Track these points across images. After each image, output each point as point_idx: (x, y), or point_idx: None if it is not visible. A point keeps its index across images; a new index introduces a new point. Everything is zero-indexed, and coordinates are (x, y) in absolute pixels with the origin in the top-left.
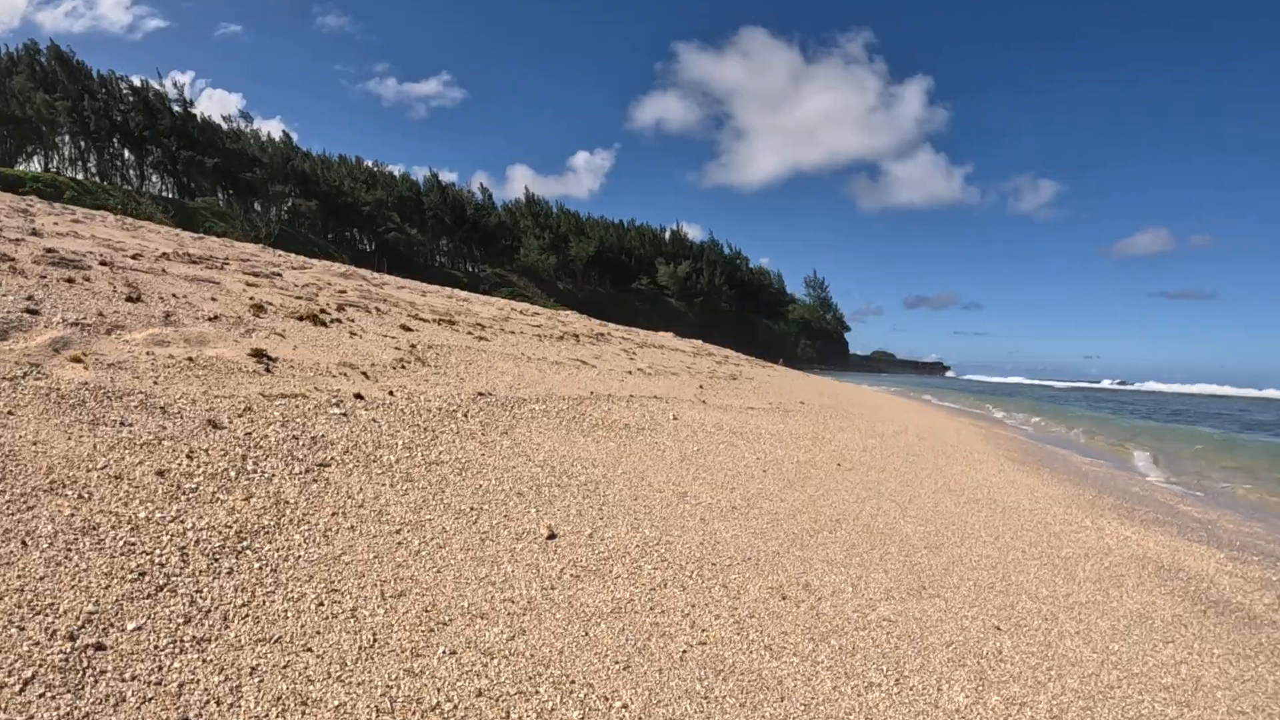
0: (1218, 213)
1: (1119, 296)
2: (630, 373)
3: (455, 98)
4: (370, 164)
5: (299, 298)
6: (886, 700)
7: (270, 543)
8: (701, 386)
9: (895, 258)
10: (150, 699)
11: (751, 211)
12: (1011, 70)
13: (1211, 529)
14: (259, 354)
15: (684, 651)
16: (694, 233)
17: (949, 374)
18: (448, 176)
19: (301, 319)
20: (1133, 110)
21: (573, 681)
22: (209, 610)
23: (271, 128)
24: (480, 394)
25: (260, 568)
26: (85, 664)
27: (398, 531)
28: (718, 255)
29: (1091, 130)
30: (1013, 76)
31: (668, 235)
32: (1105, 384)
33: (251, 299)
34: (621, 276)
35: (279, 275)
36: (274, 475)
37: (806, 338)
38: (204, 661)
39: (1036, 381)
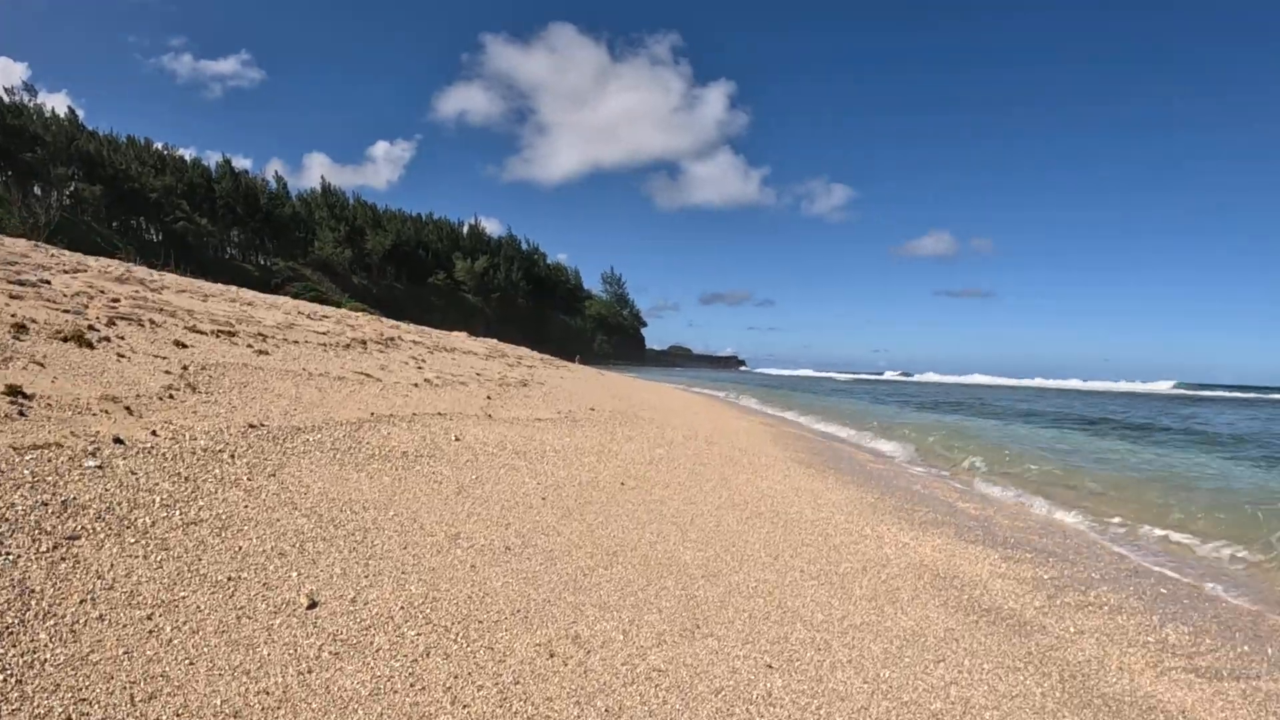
0: (996, 219)
1: (906, 294)
2: (417, 385)
3: (254, 79)
4: (160, 146)
5: (67, 311)
6: None
7: (15, 646)
8: (490, 397)
9: (692, 255)
10: None
11: (551, 207)
12: (811, 81)
13: (988, 526)
14: (13, 391)
15: None
16: (493, 228)
17: (743, 368)
18: (242, 163)
19: (66, 340)
20: (920, 127)
21: None
22: None
23: (56, 103)
24: (251, 426)
25: (4, 681)
26: None
27: (149, 617)
28: (516, 251)
29: (882, 140)
30: (812, 87)
31: (466, 230)
32: (888, 375)
33: (13, 316)
34: (419, 271)
35: (48, 283)
36: (19, 556)
37: (604, 333)
38: None
39: (823, 374)
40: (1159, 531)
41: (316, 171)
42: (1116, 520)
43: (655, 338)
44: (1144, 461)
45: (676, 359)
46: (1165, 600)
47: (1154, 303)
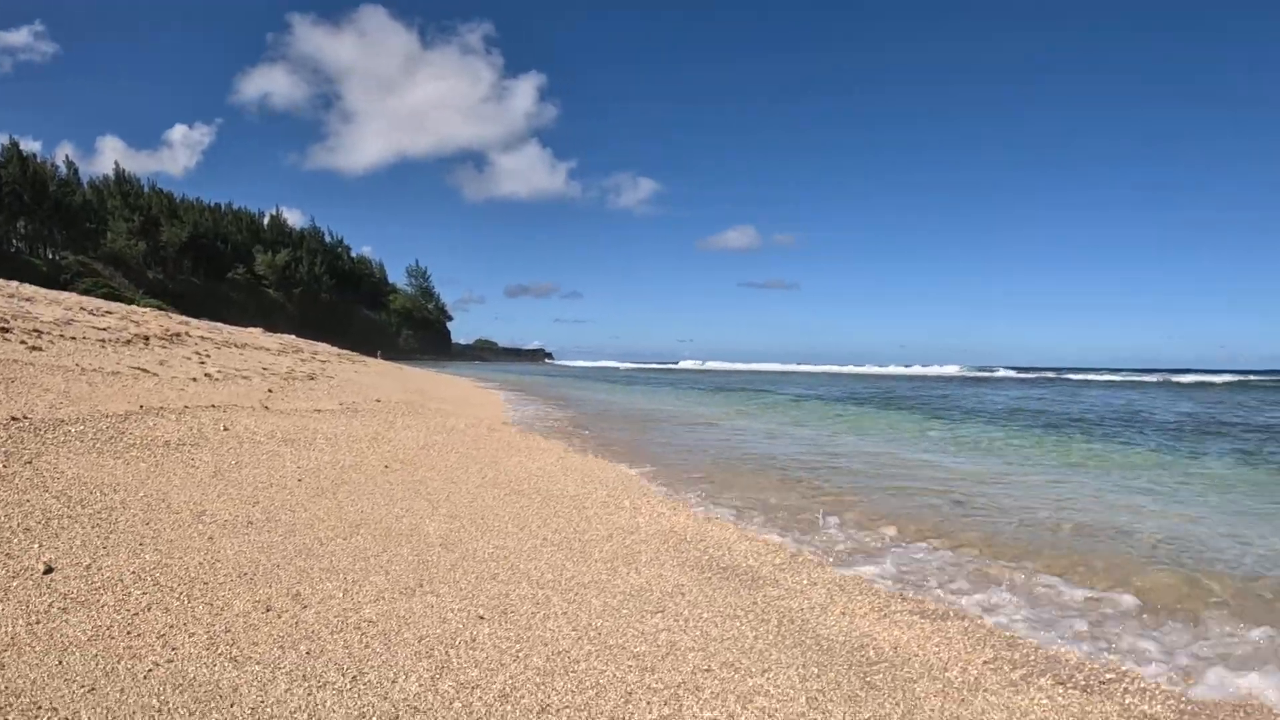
0: (799, 214)
1: (712, 286)
2: (195, 379)
3: (46, 52)
4: None
5: None
6: (336, 697)
7: None
8: (271, 390)
9: (499, 248)
10: None
11: (355, 198)
12: (621, 75)
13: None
14: None
15: (149, 670)
16: (295, 219)
17: (549, 361)
18: (30, 146)
19: None
20: (726, 122)
21: (39, 707)
22: None
23: None
24: (14, 419)
25: None
26: None
27: None
28: (319, 244)
29: (688, 136)
30: (621, 81)
31: (267, 221)
32: (684, 364)
33: None
34: (217, 265)
35: None
36: None
37: (409, 328)
38: None
39: (633, 365)
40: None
41: (110, 156)
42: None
43: (462, 332)
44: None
45: (483, 353)
46: (910, 557)
47: (949, 290)
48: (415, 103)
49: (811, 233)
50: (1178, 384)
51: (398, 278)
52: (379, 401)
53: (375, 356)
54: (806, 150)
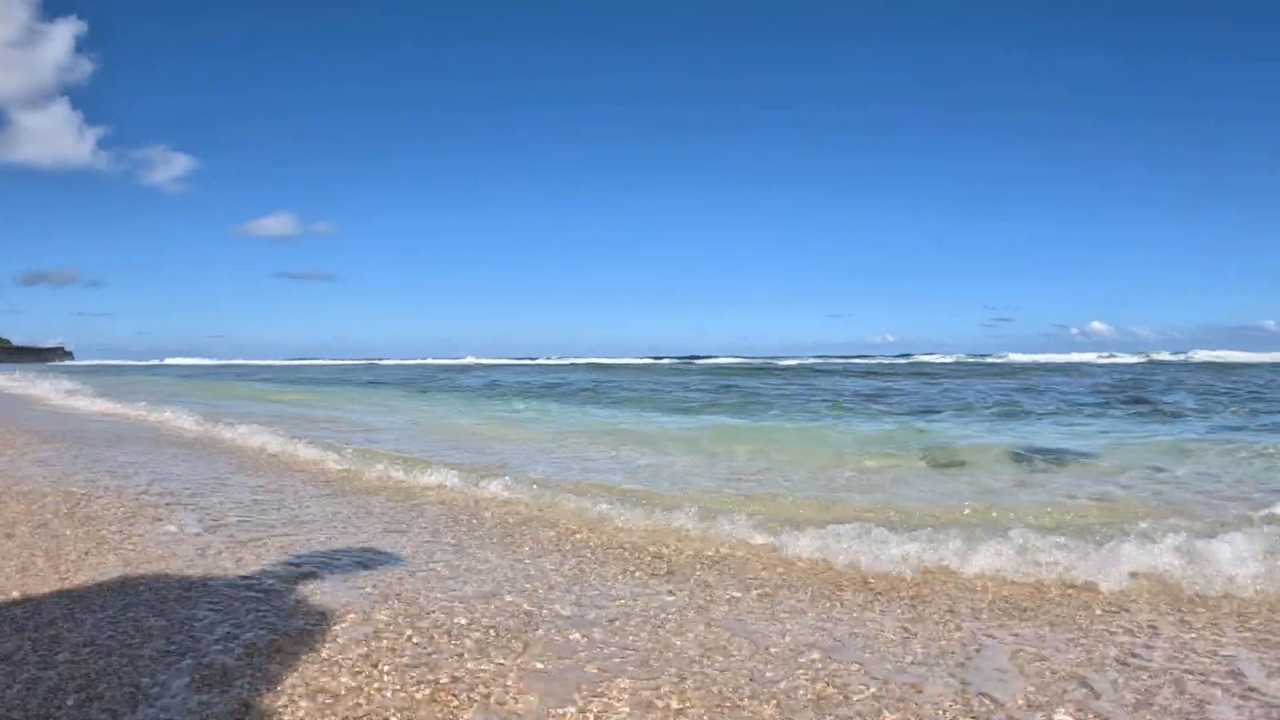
0: (338, 202)
1: (247, 276)
2: None
3: None
4: None
5: None
6: None
7: None
8: None
9: (10, 225)
10: None
11: None
12: (168, 33)
13: None
14: None
15: None
16: None
17: (70, 360)
18: None
19: None
20: (269, 100)
21: None
22: None
23: None
24: None
25: None
26: None
27: None
28: None
29: (232, 108)
30: (167, 40)
31: None
32: (169, 361)
33: None
34: None
35: None
36: None
37: None
38: None
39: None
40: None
41: None
42: None
43: None
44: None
45: None
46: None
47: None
48: None
49: (351, 221)
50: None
51: None
52: None
53: None
54: (345, 136)
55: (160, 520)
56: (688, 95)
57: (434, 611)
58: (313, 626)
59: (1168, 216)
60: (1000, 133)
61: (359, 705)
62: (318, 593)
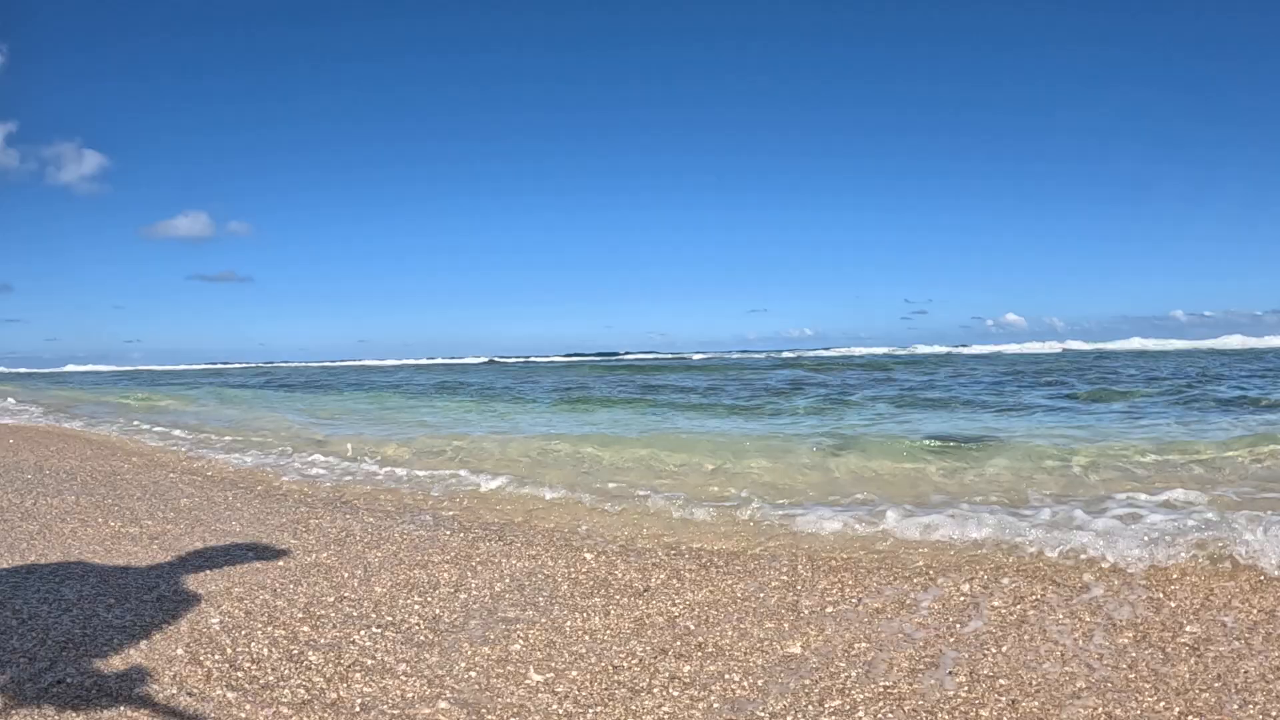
0: (255, 201)
1: (161, 279)
2: None
3: None
4: None
5: None
6: None
7: None
8: None
9: None
10: None
11: None
12: (76, 23)
13: None
14: None
15: None
16: None
17: None
18: None
19: None
20: (184, 95)
21: None
22: None
23: None
24: None
25: None
26: None
27: None
28: None
29: (145, 102)
30: (77, 32)
31: None
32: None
33: None
34: None
35: None
36: None
37: None
38: None
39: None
40: None
41: None
42: None
43: None
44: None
45: None
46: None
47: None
48: None
49: (269, 220)
50: None
51: None
52: None
53: None
54: (261, 131)
55: None
56: (600, 92)
57: None
58: None
59: (1076, 209)
60: (915, 127)
61: None
62: None
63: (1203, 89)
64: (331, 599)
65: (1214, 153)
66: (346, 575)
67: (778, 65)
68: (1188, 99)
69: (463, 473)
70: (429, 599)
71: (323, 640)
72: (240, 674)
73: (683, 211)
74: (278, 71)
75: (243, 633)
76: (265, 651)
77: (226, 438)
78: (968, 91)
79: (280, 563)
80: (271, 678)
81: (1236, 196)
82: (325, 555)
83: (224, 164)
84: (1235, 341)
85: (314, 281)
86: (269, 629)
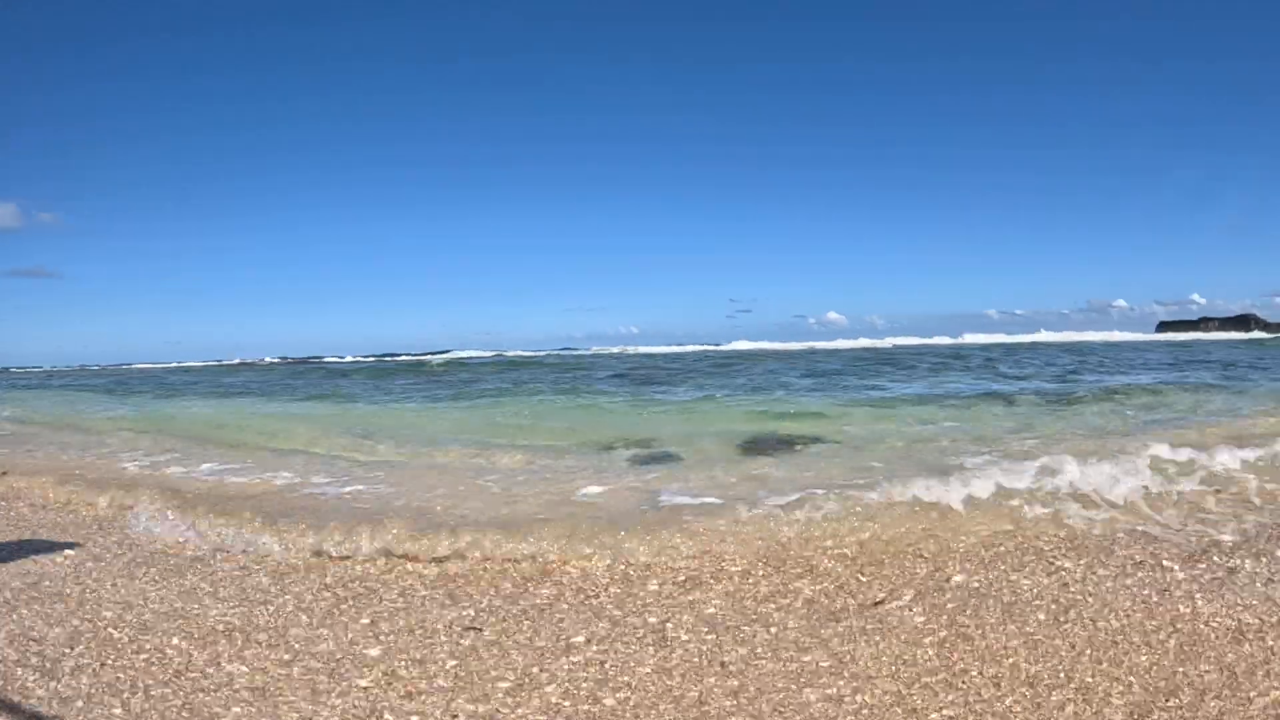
0: (65, 190)
1: None
2: None
3: None
4: None
5: None
6: None
7: None
8: None
9: None
10: None
11: None
12: None
13: None
14: None
15: None
16: None
17: None
18: None
19: None
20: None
21: None
22: None
23: None
24: None
25: None
26: None
27: None
28: None
29: None
30: None
31: None
32: None
33: None
34: None
35: None
36: None
37: None
38: None
39: None
40: None
41: None
42: None
43: None
44: None
45: None
46: None
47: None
48: None
49: (80, 211)
50: None
51: None
52: None
53: None
54: (73, 111)
55: None
56: (449, 98)
57: None
58: None
59: (894, 213)
60: (750, 131)
61: None
62: None
63: (1016, 93)
64: None
65: (1029, 160)
66: None
67: (609, 75)
68: (1007, 104)
69: None
70: None
71: None
72: None
73: (515, 212)
74: (103, 51)
75: None
76: None
77: None
78: (813, 100)
79: None
80: None
81: (1049, 204)
82: None
83: (34, 151)
84: (1043, 336)
85: (137, 280)
86: None
